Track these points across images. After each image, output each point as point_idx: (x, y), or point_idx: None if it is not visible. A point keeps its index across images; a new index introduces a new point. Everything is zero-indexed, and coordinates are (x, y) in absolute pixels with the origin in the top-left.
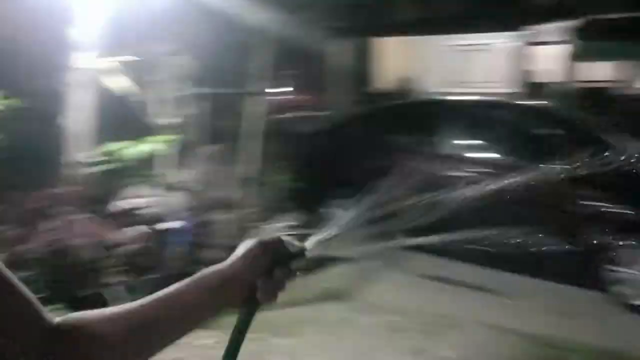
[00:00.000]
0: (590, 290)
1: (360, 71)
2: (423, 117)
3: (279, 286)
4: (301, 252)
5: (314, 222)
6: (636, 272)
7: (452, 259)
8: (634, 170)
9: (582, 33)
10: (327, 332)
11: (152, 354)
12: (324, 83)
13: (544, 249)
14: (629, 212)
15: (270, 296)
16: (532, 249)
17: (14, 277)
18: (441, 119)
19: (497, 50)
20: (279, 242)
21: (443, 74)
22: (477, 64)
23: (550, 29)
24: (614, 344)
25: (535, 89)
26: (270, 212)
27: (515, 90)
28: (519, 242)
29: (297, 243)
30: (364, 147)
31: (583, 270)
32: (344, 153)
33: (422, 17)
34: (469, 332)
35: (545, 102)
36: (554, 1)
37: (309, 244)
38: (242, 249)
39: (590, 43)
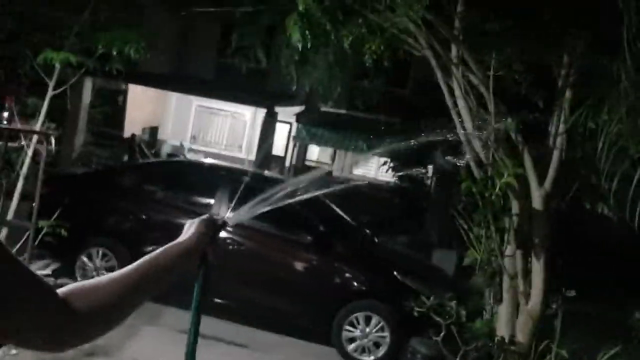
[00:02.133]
0: (327, 345)
1: (109, 113)
2: (189, 177)
3: (220, 248)
4: (225, 224)
5: (66, 271)
6: (361, 332)
7: (205, 314)
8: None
9: (303, 118)
10: None
11: (135, 308)
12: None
13: (286, 308)
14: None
15: (218, 256)
16: (276, 308)
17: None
18: (205, 180)
19: (239, 119)
20: (212, 218)
21: (187, 129)
22: (220, 127)
23: (285, 111)
24: None
25: (269, 159)
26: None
27: (251, 157)
28: (267, 302)
29: (219, 218)
30: (129, 199)
31: (322, 329)
32: (107, 201)
33: (178, 74)
34: None
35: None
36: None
37: (228, 219)
38: (191, 226)
39: (308, 128)
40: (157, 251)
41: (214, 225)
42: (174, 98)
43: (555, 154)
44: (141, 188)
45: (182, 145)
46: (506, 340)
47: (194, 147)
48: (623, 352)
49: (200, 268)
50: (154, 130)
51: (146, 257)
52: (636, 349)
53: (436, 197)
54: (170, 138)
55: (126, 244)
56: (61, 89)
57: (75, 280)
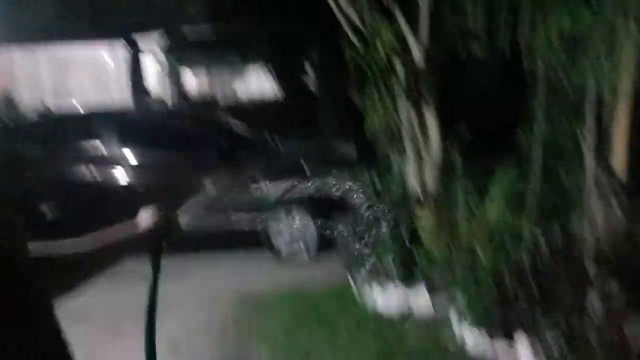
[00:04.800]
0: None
1: None
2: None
3: (175, 234)
4: (176, 217)
5: None
6: (287, 232)
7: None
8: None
9: (167, 44)
10: None
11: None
12: None
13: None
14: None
15: (171, 240)
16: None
17: None
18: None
19: (98, 62)
20: (165, 207)
21: (44, 85)
22: (80, 76)
23: (146, 39)
24: (290, 283)
25: (143, 96)
26: None
27: (122, 99)
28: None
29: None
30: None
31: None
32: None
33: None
34: (187, 305)
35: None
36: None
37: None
38: (146, 211)
39: (176, 54)
40: (114, 227)
41: (166, 213)
42: (17, 56)
43: (424, 7)
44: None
45: (45, 107)
46: (418, 190)
47: (58, 102)
48: (519, 173)
49: (151, 252)
50: (6, 95)
51: (103, 231)
52: (524, 164)
53: (320, 92)
54: (27, 102)
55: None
56: None
57: None
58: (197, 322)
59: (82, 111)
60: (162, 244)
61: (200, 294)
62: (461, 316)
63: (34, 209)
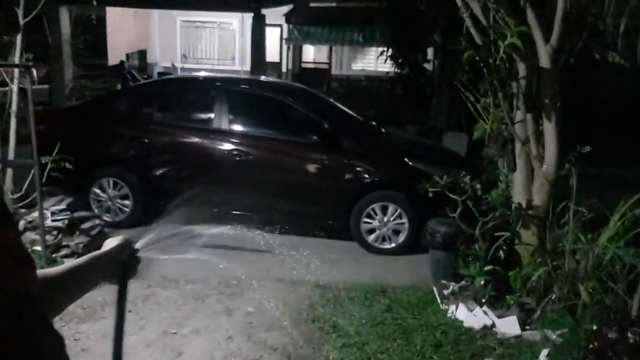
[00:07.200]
0: (348, 240)
1: (91, 42)
2: (184, 93)
3: (136, 265)
4: (137, 250)
5: (80, 204)
6: (379, 222)
7: (224, 224)
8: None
9: (293, 18)
10: (135, 310)
11: (64, 306)
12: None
13: (303, 210)
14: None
15: (134, 271)
16: (293, 211)
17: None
18: (200, 95)
19: (227, 29)
20: (129, 239)
21: (176, 48)
22: (209, 41)
23: (274, 12)
24: (372, 279)
25: (263, 66)
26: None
27: (246, 68)
28: (283, 207)
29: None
30: (129, 124)
31: (341, 225)
32: (107, 130)
33: None
34: (263, 288)
35: (297, 83)
36: None
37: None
38: (111, 242)
39: (299, 27)
40: (84, 257)
41: (130, 245)
42: (156, 17)
43: (560, 5)
44: (139, 111)
45: (174, 66)
46: (524, 206)
47: (187, 66)
48: None
49: (119, 277)
50: (142, 54)
51: (75, 260)
52: None
53: (440, 80)
54: (160, 60)
55: (134, 170)
56: (31, 16)
57: (91, 211)
58: (273, 304)
59: (200, 75)
60: (127, 274)
61: (280, 276)
62: None
63: (147, 170)
